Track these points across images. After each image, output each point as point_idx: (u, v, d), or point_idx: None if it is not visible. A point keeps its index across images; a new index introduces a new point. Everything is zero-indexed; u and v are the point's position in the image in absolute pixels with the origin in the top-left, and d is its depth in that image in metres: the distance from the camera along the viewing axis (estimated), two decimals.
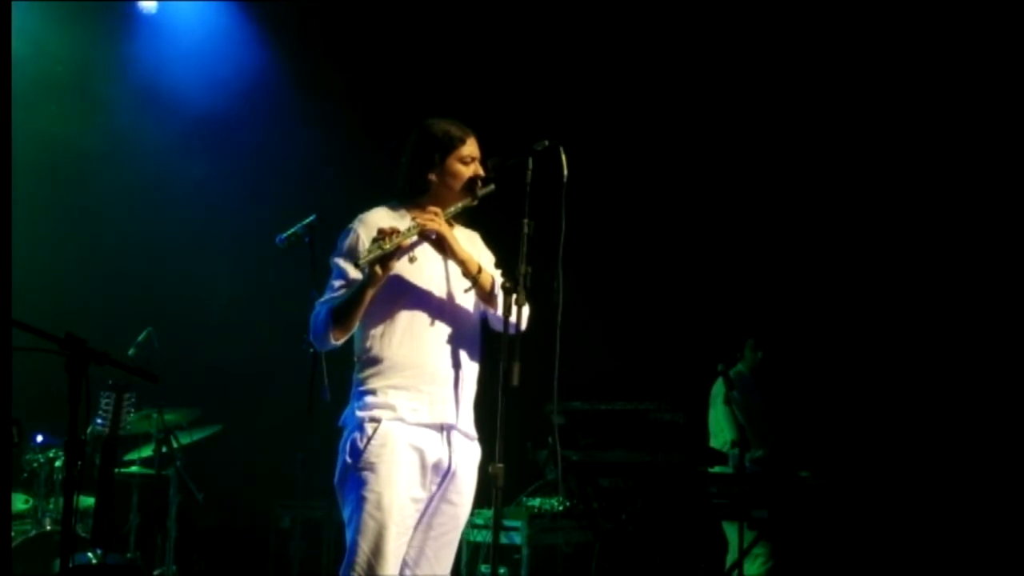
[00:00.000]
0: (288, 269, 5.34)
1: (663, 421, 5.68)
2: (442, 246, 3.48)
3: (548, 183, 3.45)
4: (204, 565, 6.87)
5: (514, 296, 3.36)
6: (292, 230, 4.89)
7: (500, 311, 3.43)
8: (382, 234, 3.33)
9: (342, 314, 3.40)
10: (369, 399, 3.43)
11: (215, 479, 6.43)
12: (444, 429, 3.47)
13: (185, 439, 6.21)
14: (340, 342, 3.47)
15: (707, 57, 7.06)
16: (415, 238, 3.43)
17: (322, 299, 3.49)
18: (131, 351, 5.91)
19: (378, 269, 3.33)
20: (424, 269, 3.52)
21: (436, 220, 3.45)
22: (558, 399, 3.52)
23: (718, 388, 6.18)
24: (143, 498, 6.03)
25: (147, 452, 6.13)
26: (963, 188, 6.65)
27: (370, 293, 3.38)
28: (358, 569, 3.31)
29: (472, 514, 4.10)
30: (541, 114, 6.83)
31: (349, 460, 3.39)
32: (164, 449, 5.96)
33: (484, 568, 5.60)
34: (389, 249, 3.31)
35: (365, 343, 3.48)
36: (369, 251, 3.32)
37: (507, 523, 5.49)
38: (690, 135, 7.17)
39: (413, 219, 3.45)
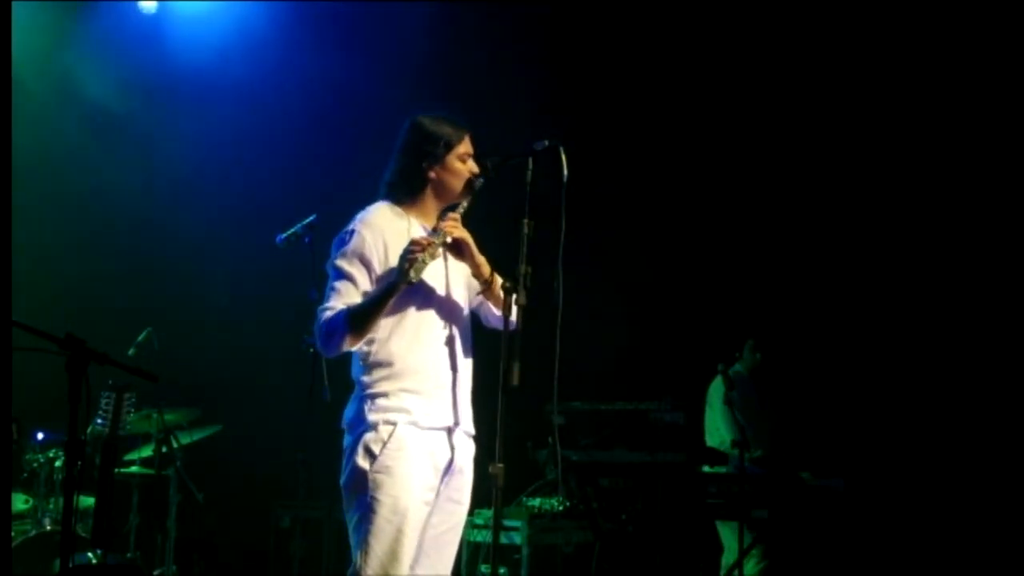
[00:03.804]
0: (288, 269, 5.34)
1: (663, 421, 5.68)
2: (461, 249, 3.47)
3: (548, 183, 3.45)
4: (204, 565, 6.87)
5: (514, 296, 3.36)
6: (292, 230, 4.90)
7: (497, 309, 3.46)
8: (418, 245, 3.31)
9: (363, 321, 3.36)
10: (382, 402, 3.40)
11: (215, 479, 6.43)
12: (451, 430, 3.47)
13: (185, 439, 6.21)
14: (353, 348, 3.44)
15: (706, 57, 7.05)
16: (441, 243, 3.43)
17: (327, 303, 3.42)
18: (131, 351, 5.91)
19: (412, 278, 3.32)
20: (427, 271, 3.51)
21: (459, 227, 3.45)
22: (558, 399, 3.52)
23: (716, 387, 6.18)
24: (143, 498, 6.04)
25: (147, 452, 6.13)
26: (963, 188, 6.64)
27: (392, 301, 3.37)
28: (369, 572, 3.30)
29: (472, 514, 4.09)
30: (541, 114, 6.82)
31: (363, 463, 3.35)
32: (164, 449, 5.96)
33: (484, 568, 5.61)
34: (431, 258, 3.32)
35: (372, 345, 3.44)
36: (412, 265, 3.28)
37: (507, 523, 5.49)
38: (690, 135, 7.16)
39: (438, 226, 3.45)
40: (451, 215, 3.49)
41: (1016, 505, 6.11)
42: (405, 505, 3.31)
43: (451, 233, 3.42)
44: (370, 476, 3.34)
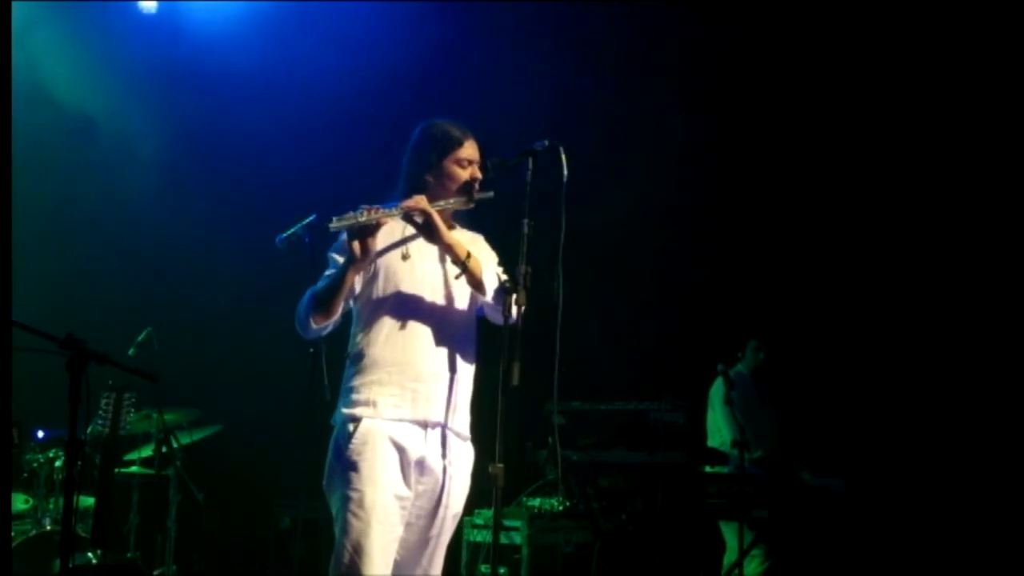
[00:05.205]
0: (288, 269, 5.34)
1: (663, 421, 5.68)
2: (430, 230, 3.43)
3: (548, 183, 3.44)
4: (204, 565, 6.87)
5: (514, 296, 3.36)
6: (292, 230, 4.88)
7: (490, 298, 3.46)
8: (365, 208, 3.35)
9: (322, 298, 3.42)
10: (352, 396, 3.44)
11: (215, 479, 6.43)
12: (429, 427, 3.44)
13: (185, 439, 6.21)
14: (322, 328, 3.48)
15: (705, 54, 7.06)
16: (398, 216, 3.41)
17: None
18: (131, 351, 5.91)
19: (356, 248, 3.33)
20: (416, 267, 3.52)
21: (423, 202, 3.43)
22: (558, 399, 3.52)
23: (717, 388, 6.19)
24: (143, 498, 6.03)
25: (147, 452, 6.13)
26: (963, 189, 6.64)
27: (351, 276, 3.40)
28: (342, 568, 3.29)
29: (472, 514, 4.08)
30: (541, 114, 6.82)
31: (332, 460, 3.41)
32: (164, 449, 5.96)
33: (484, 568, 5.60)
34: (364, 221, 3.32)
35: (354, 339, 3.50)
36: (344, 216, 3.33)
37: (507, 523, 5.49)
38: (690, 134, 7.16)
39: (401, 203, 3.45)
40: (415, 196, 3.47)
41: (1016, 505, 6.11)
42: (372, 500, 3.30)
43: (411, 208, 3.41)
44: (338, 472, 3.37)
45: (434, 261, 3.56)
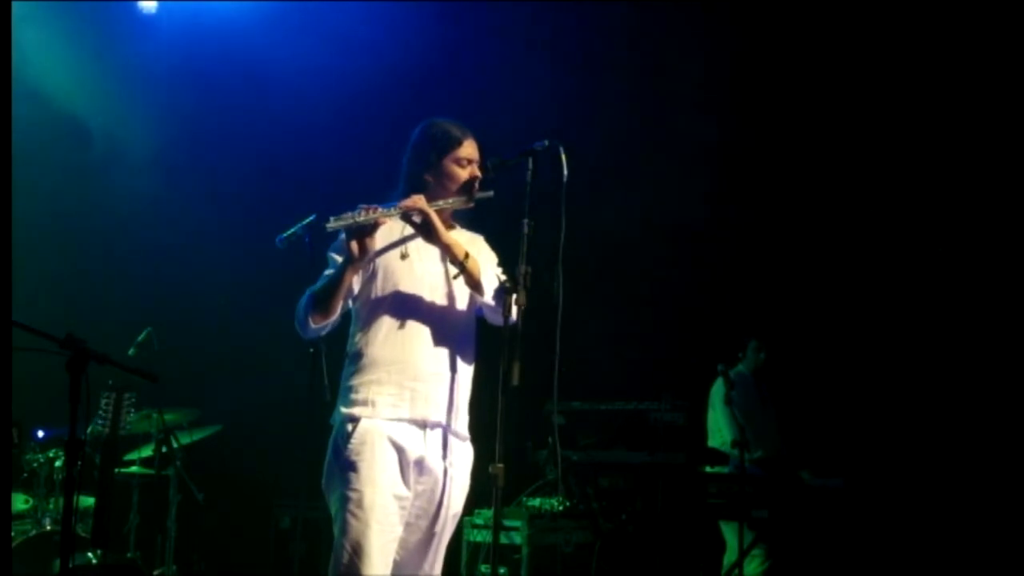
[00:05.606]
0: (288, 269, 5.34)
1: (663, 421, 5.69)
2: (427, 230, 3.43)
3: (548, 183, 3.44)
4: (204, 565, 6.87)
5: (514, 296, 3.36)
6: (292, 230, 4.88)
7: (489, 299, 3.45)
8: (364, 207, 3.35)
9: (321, 297, 3.42)
10: (351, 396, 3.44)
11: (215, 479, 6.43)
12: (428, 427, 3.44)
13: (185, 439, 6.21)
14: (321, 327, 3.47)
15: (707, 56, 7.06)
16: (396, 216, 3.42)
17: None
18: (131, 351, 5.91)
19: (354, 247, 3.33)
20: (415, 267, 3.52)
21: (421, 201, 3.43)
22: (558, 399, 3.52)
23: (717, 388, 6.19)
24: (143, 498, 6.03)
25: (147, 452, 6.13)
26: (963, 189, 6.65)
27: (349, 275, 3.40)
28: (342, 569, 3.28)
29: (472, 514, 4.06)
30: (541, 114, 6.82)
31: (331, 459, 3.41)
32: (164, 449, 5.97)
33: (484, 568, 5.60)
34: (362, 221, 3.32)
35: (353, 338, 3.50)
36: (342, 216, 3.33)
37: (507, 523, 5.49)
38: (691, 135, 7.16)
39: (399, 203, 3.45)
40: (413, 196, 3.47)
41: (1016, 505, 6.11)
42: (371, 500, 3.30)
43: (409, 208, 3.41)
44: (337, 472, 3.36)
45: (433, 261, 3.55)
